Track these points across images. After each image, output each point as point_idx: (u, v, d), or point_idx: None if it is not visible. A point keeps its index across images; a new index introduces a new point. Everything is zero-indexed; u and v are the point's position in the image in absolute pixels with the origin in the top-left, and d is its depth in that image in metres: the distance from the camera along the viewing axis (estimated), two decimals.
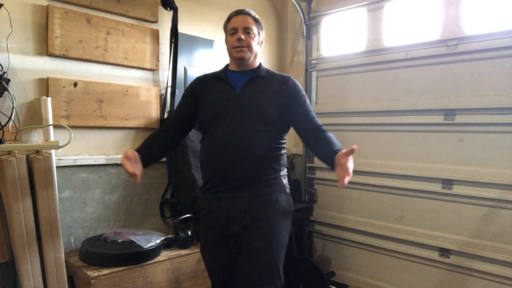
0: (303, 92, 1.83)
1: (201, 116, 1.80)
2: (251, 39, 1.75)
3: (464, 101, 2.44)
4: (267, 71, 1.84)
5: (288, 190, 1.82)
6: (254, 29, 1.77)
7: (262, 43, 1.85)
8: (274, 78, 1.82)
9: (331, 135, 1.72)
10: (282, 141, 1.80)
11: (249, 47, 1.75)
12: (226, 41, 1.82)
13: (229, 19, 1.81)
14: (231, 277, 1.77)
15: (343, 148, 1.60)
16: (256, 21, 1.79)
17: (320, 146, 1.70)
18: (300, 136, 1.82)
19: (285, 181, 1.82)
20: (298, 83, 1.84)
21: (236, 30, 1.75)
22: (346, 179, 1.45)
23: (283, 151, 1.80)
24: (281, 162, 1.79)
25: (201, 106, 1.80)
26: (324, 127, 1.76)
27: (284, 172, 1.82)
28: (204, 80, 1.87)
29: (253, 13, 1.81)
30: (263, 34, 1.84)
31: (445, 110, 2.51)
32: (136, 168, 1.64)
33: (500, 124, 2.31)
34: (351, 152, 1.49)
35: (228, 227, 1.72)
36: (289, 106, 1.76)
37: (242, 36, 1.73)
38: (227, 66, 1.87)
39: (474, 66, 2.41)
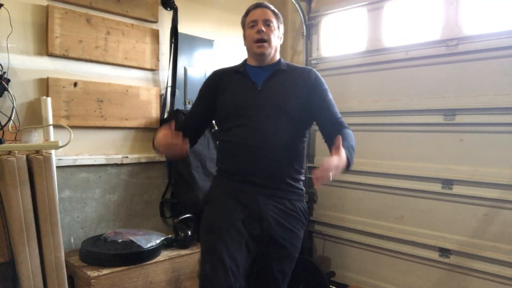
0: (325, 86, 1.75)
1: (221, 112, 1.73)
2: (271, 32, 1.69)
3: (464, 101, 2.44)
4: (288, 64, 1.78)
5: (304, 196, 1.78)
6: (274, 22, 1.71)
7: (281, 38, 1.78)
8: (295, 72, 1.75)
9: (349, 131, 1.65)
10: (305, 139, 1.74)
11: (269, 41, 1.68)
12: (245, 36, 1.75)
13: (247, 13, 1.75)
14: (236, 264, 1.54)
15: (347, 144, 1.53)
16: (276, 14, 1.74)
17: (332, 140, 1.56)
18: (321, 131, 1.74)
19: (302, 187, 1.77)
20: (320, 76, 1.76)
21: (256, 22, 1.68)
22: (322, 180, 1.34)
23: (305, 151, 1.75)
24: (303, 164, 1.74)
25: (220, 101, 1.73)
26: (346, 124, 1.69)
27: (303, 177, 1.77)
28: (222, 74, 1.79)
29: (272, 7, 1.75)
30: (282, 28, 1.78)
31: (445, 110, 2.51)
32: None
33: (500, 124, 2.31)
34: (337, 145, 1.40)
35: (258, 224, 1.61)
36: (311, 99, 1.69)
37: (263, 28, 1.67)
38: (245, 60, 1.80)
39: (474, 66, 2.41)
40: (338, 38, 3.17)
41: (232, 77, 1.75)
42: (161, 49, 2.66)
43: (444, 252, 2.53)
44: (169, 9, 2.64)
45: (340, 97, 3.07)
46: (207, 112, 1.79)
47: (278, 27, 1.75)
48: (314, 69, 1.78)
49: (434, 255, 2.58)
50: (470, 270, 2.43)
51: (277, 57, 1.78)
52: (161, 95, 2.66)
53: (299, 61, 3.37)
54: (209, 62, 2.91)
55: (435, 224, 2.58)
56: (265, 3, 1.76)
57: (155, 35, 2.62)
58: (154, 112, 2.62)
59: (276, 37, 1.73)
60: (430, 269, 2.61)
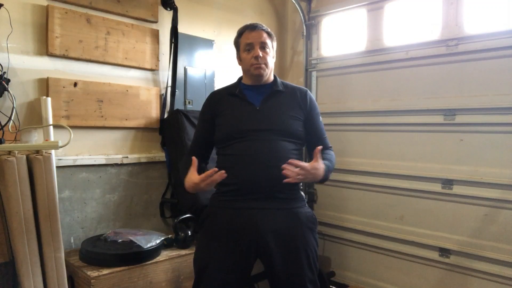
0: (318, 109, 1.86)
1: (220, 133, 1.77)
2: (267, 55, 1.73)
3: (464, 101, 2.44)
4: (283, 84, 1.83)
5: (305, 201, 1.84)
6: (269, 43, 1.74)
7: (275, 56, 1.83)
8: (291, 92, 1.81)
9: (332, 152, 1.82)
10: (301, 152, 1.82)
11: (266, 64, 1.73)
12: (240, 57, 1.78)
13: (241, 34, 1.77)
14: None
15: (329, 159, 1.75)
16: (270, 35, 1.77)
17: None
18: (307, 148, 1.87)
19: (302, 193, 1.83)
20: (314, 99, 1.86)
21: (252, 46, 1.72)
22: (292, 175, 1.55)
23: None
24: None
25: (219, 122, 1.77)
26: (331, 147, 1.86)
27: (301, 185, 1.87)
28: (219, 97, 1.82)
29: (265, 27, 1.78)
30: (275, 46, 1.82)
31: (445, 110, 2.51)
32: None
33: (500, 124, 2.31)
34: (316, 152, 1.63)
35: (259, 239, 1.67)
36: (306, 121, 1.79)
37: (260, 54, 1.70)
38: (240, 80, 1.84)
39: (474, 66, 2.41)
40: (338, 38, 3.17)
41: (229, 100, 1.78)
42: (161, 49, 2.66)
43: (444, 252, 2.53)
44: (169, 9, 2.64)
45: (340, 97, 3.08)
46: (211, 137, 1.82)
47: (273, 47, 1.79)
48: (308, 91, 1.87)
49: (434, 255, 2.58)
50: (470, 270, 2.43)
51: (272, 76, 1.82)
52: (161, 95, 2.66)
53: (299, 61, 3.37)
54: (209, 62, 2.91)
55: (435, 224, 2.58)
56: (259, 24, 1.77)
57: (155, 35, 2.62)
58: (154, 112, 2.62)
59: (271, 58, 1.78)
60: (430, 269, 2.62)
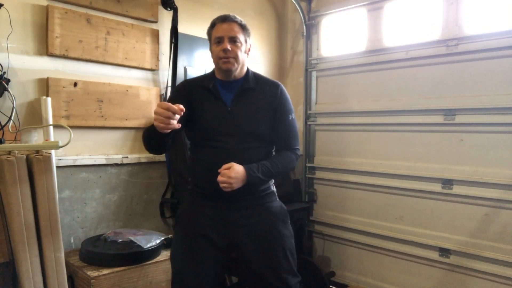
0: (290, 105, 1.77)
1: (194, 131, 1.74)
2: (237, 49, 1.66)
3: (464, 101, 2.44)
4: (255, 79, 1.76)
5: (276, 195, 1.82)
6: (241, 37, 1.67)
7: (249, 50, 1.76)
8: (263, 89, 1.74)
9: (289, 155, 1.74)
10: (273, 151, 1.80)
11: (236, 58, 1.66)
12: (211, 50, 1.72)
13: (213, 25, 1.71)
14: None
15: (272, 161, 1.69)
16: (243, 27, 1.69)
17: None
18: (274, 145, 1.81)
19: (274, 188, 1.82)
20: (286, 93, 1.78)
21: (222, 39, 1.65)
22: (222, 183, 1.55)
23: None
24: None
25: (194, 119, 1.71)
26: (296, 149, 1.78)
27: (272, 180, 1.81)
28: (193, 87, 1.75)
29: (239, 19, 1.71)
30: (250, 40, 1.75)
31: (445, 110, 2.52)
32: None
33: (500, 124, 2.31)
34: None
35: (227, 238, 1.69)
36: (273, 117, 1.73)
37: (229, 47, 1.63)
38: (213, 73, 1.78)
39: (474, 66, 2.41)
40: (338, 38, 3.17)
41: (202, 94, 1.73)
42: (161, 49, 2.66)
43: (444, 252, 2.53)
44: (169, 9, 2.64)
45: (340, 97, 3.08)
46: (182, 119, 1.69)
47: (246, 41, 1.71)
48: (281, 85, 1.79)
49: (434, 255, 2.58)
50: (470, 270, 2.43)
51: (245, 70, 1.76)
52: (161, 95, 2.66)
53: (299, 61, 3.38)
54: (209, 62, 2.89)
55: (435, 224, 2.58)
56: (232, 15, 1.71)
57: (155, 35, 2.62)
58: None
59: (243, 53, 1.70)
60: (430, 269, 2.62)
